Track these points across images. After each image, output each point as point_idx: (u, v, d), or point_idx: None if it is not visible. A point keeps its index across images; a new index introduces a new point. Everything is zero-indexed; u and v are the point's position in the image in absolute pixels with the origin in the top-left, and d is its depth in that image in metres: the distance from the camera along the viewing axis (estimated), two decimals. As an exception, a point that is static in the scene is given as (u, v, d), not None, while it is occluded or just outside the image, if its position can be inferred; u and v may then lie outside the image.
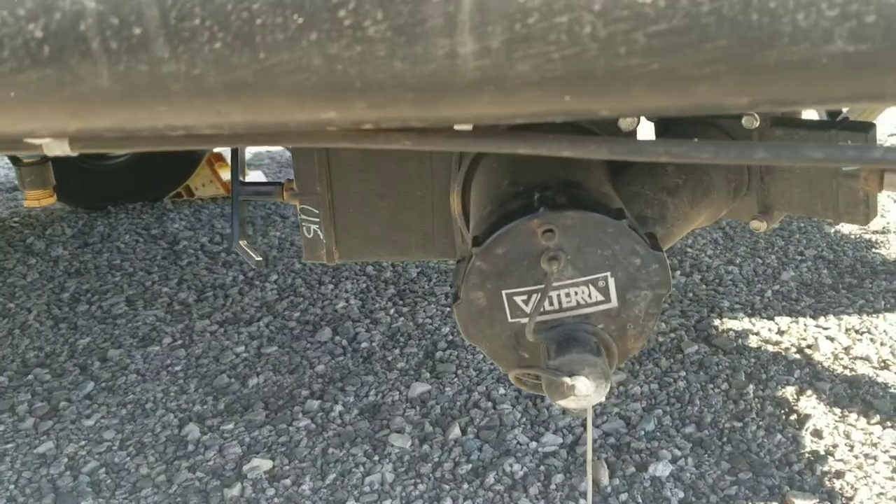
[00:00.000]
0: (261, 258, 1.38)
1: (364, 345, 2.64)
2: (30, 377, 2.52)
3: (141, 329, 2.79)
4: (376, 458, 2.09)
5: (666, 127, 1.30)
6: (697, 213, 1.19)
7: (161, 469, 2.09)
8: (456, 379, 2.42)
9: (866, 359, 2.41)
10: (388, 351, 2.60)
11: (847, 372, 2.35)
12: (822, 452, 2.02)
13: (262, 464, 2.08)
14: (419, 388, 2.38)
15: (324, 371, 2.49)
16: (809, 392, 2.26)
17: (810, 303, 2.77)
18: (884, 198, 3.69)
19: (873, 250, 3.18)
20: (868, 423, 2.13)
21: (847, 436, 2.08)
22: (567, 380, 0.96)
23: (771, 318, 2.67)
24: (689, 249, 3.23)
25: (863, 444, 2.04)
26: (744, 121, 1.18)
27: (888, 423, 2.11)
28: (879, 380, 2.31)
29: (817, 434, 2.09)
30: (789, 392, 2.27)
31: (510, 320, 1.04)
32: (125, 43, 0.59)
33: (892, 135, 4.74)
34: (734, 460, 2.00)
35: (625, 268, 1.00)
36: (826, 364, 2.40)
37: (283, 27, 0.58)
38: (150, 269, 3.28)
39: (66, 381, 2.49)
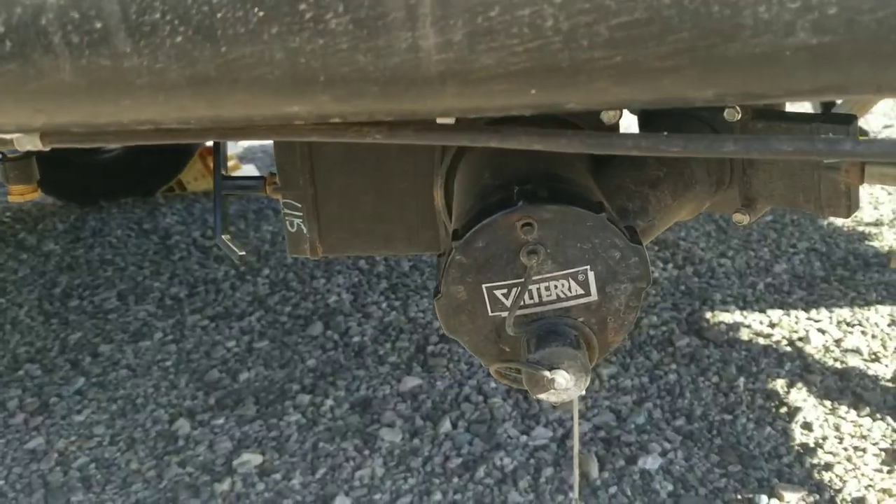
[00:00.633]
0: (244, 252, 1.38)
1: (356, 339, 2.64)
2: (20, 373, 2.52)
3: (132, 324, 2.79)
4: (367, 452, 2.09)
5: (649, 120, 1.29)
6: (679, 207, 1.19)
7: (151, 464, 2.09)
8: (447, 373, 2.42)
9: (857, 351, 2.41)
10: (379, 345, 2.59)
11: (838, 364, 2.36)
12: (812, 445, 2.02)
13: (252, 458, 2.08)
14: (410, 382, 2.38)
15: (315, 365, 2.49)
16: (800, 384, 2.26)
17: (802, 295, 2.77)
18: (877, 190, 3.69)
19: (866, 242, 3.18)
20: (858, 415, 2.13)
21: (837, 428, 2.08)
22: (547, 373, 0.96)
23: (763, 311, 2.67)
24: (681, 242, 3.22)
25: (852, 437, 2.05)
26: (725, 113, 1.17)
27: (878, 416, 2.12)
28: (870, 372, 2.31)
29: (807, 426, 2.09)
30: (780, 385, 2.27)
31: (491, 314, 1.04)
32: (86, 37, 0.59)
33: (886, 126, 4.73)
34: (724, 453, 2.00)
35: (604, 261, 1.00)
36: (817, 356, 2.40)
37: (243, 21, 0.57)
38: (141, 263, 3.27)
39: (57, 376, 2.49)
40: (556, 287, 1.01)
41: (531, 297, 1.02)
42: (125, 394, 2.39)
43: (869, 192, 3.70)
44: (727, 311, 2.69)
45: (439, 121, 0.85)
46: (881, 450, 1.99)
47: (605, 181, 1.17)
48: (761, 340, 2.49)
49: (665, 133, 0.69)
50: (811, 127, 1.16)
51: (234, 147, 4.63)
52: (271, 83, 0.60)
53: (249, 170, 4.24)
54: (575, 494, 1.40)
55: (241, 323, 2.76)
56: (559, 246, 0.99)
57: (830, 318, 2.61)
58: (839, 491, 1.86)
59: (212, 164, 3.96)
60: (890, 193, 3.68)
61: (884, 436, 2.04)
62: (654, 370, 2.36)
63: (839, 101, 2.05)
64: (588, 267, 1.00)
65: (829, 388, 2.25)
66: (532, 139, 0.72)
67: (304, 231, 1.37)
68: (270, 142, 4.89)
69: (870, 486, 1.88)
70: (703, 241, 3.23)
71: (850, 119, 1.16)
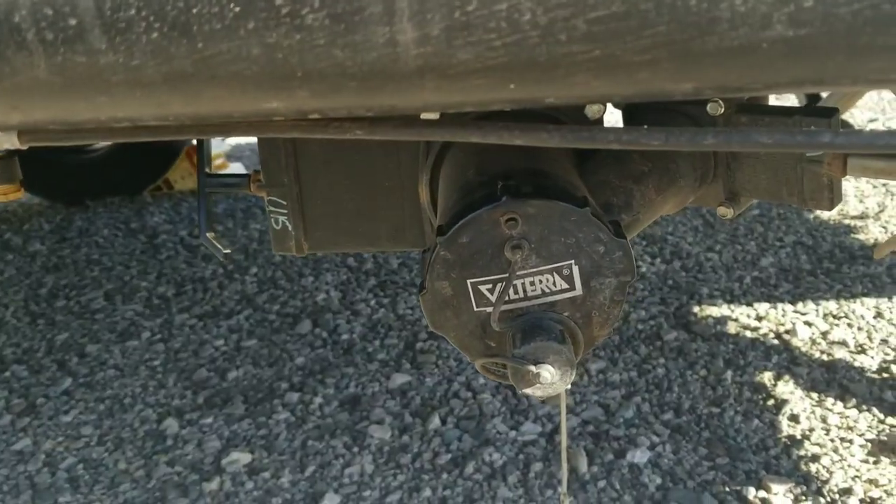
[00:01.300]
0: (228, 250, 1.37)
1: (344, 336, 2.63)
2: (7, 374, 2.50)
3: (119, 324, 2.78)
4: (356, 449, 2.09)
5: (633, 115, 1.30)
6: (664, 201, 1.19)
7: (140, 464, 2.08)
8: (436, 369, 2.42)
9: (843, 343, 2.42)
10: (368, 342, 2.59)
11: (824, 357, 2.36)
12: (799, 437, 2.03)
13: (241, 457, 2.08)
14: (399, 379, 2.38)
15: (304, 363, 2.49)
16: (787, 377, 2.27)
17: (789, 288, 2.78)
18: (862, 183, 3.71)
19: (852, 235, 3.19)
20: (844, 406, 2.14)
21: (823, 420, 2.09)
22: (532, 368, 0.96)
23: (750, 305, 2.68)
24: (668, 237, 3.23)
25: (839, 428, 2.06)
26: (708, 107, 1.18)
27: (864, 407, 2.12)
28: (856, 364, 2.32)
29: (794, 419, 2.09)
30: (767, 377, 2.28)
31: (476, 309, 1.04)
32: (61, 34, 0.58)
33: (871, 120, 4.75)
34: (712, 446, 2.01)
35: (589, 255, 1.00)
36: (804, 349, 2.41)
37: (219, 16, 0.57)
38: (128, 263, 3.26)
39: (44, 377, 2.48)
40: (540, 282, 1.01)
41: (516, 292, 1.02)
42: (113, 394, 2.38)
43: (854, 186, 3.72)
44: (714, 304, 2.70)
45: (423, 116, 0.85)
46: (867, 441, 2.00)
47: (589, 176, 1.17)
48: (748, 334, 2.50)
49: (646, 127, 0.69)
50: (793, 120, 1.16)
51: (222, 145, 4.61)
52: (249, 79, 0.60)
53: (237, 168, 4.23)
54: (563, 488, 1.40)
55: (230, 321, 2.76)
56: (543, 241, 0.99)
57: (817, 310, 2.62)
58: (826, 482, 1.87)
59: (198, 163, 3.96)
60: (875, 187, 3.70)
61: (870, 427, 2.05)
62: (643, 364, 2.37)
63: (824, 95, 2.05)
64: (573, 261, 1.00)
65: (815, 380, 2.25)
66: (513, 134, 0.72)
67: (290, 228, 1.36)
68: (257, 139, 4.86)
69: (856, 476, 1.89)
70: (690, 236, 3.24)
71: (831, 112, 1.16)
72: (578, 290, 1.02)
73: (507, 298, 1.02)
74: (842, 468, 1.91)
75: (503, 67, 0.59)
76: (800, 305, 2.66)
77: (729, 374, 2.29)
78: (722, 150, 1.07)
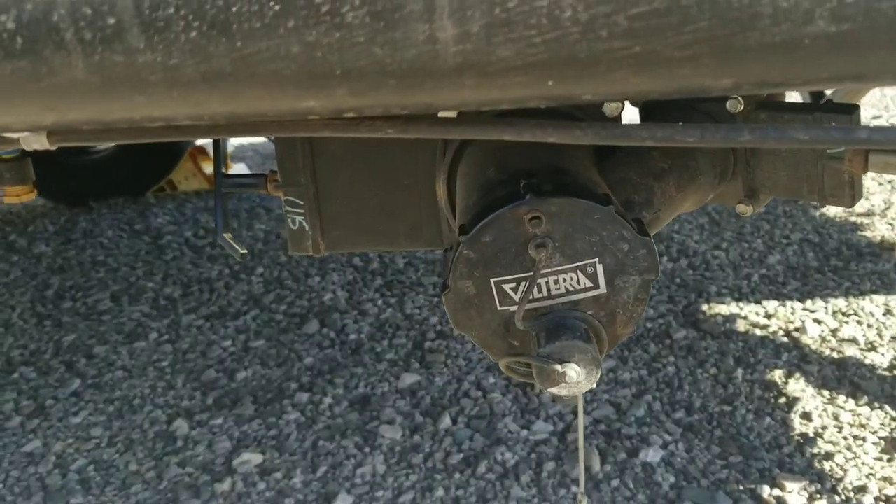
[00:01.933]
0: (245, 250, 1.37)
1: (352, 336, 2.63)
2: (15, 375, 2.50)
3: (126, 325, 2.77)
4: (367, 449, 2.09)
5: (650, 112, 1.29)
6: (684, 198, 1.19)
7: (150, 465, 2.08)
8: (446, 369, 2.41)
9: (853, 341, 2.42)
10: (376, 342, 2.59)
11: (835, 354, 2.36)
12: (812, 435, 2.03)
13: (252, 458, 2.07)
14: (409, 379, 2.37)
15: (312, 364, 2.49)
16: (798, 375, 2.27)
17: (797, 286, 2.78)
18: (868, 180, 3.70)
19: (858, 233, 3.19)
20: (856, 404, 2.14)
21: (836, 418, 2.08)
22: (558, 367, 0.96)
23: (758, 302, 2.68)
24: (675, 235, 3.23)
25: (851, 426, 2.05)
26: (728, 104, 1.17)
27: (876, 405, 2.12)
28: (867, 361, 2.32)
29: (806, 416, 2.09)
30: (777, 375, 2.28)
31: (499, 308, 1.03)
32: (99, 33, 0.58)
33: (875, 117, 4.75)
34: (724, 444, 2.01)
35: (613, 254, 1.00)
36: (814, 347, 2.41)
37: (259, 15, 0.57)
38: (134, 264, 3.26)
39: (52, 378, 2.48)
40: (564, 280, 1.01)
41: (540, 291, 1.01)
42: (122, 395, 2.38)
43: (860, 183, 3.71)
44: (723, 302, 2.69)
45: (441, 114, 0.84)
46: (880, 438, 2.00)
47: (609, 173, 1.17)
48: (758, 331, 2.50)
49: (681, 123, 0.69)
50: (814, 116, 1.16)
51: (225, 145, 4.60)
52: (287, 77, 0.59)
53: (240, 168, 4.22)
54: (581, 488, 1.40)
55: (237, 322, 2.75)
56: (567, 239, 0.99)
57: (826, 308, 2.62)
58: (840, 480, 1.87)
59: (202, 164, 3.95)
60: (881, 183, 3.70)
61: (882, 424, 2.05)
62: (653, 363, 2.36)
63: (828, 92, 2.05)
64: (597, 259, 1.00)
65: (826, 377, 2.25)
66: (546, 132, 0.71)
67: (306, 228, 1.36)
68: (261, 140, 4.85)
69: (870, 474, 1.88)
70: (696, 234, 3.24)
71: (851, 108, 1.16)
72: (603, 289, 1.01)
73: (531, 297, 1.01)
74: (855, 466, 1.91)
75: (543, 64, 0.58)
76: (808, 303, 2.66)
77: (739, 372, 2.29)
78: (757, 146, 1.07)
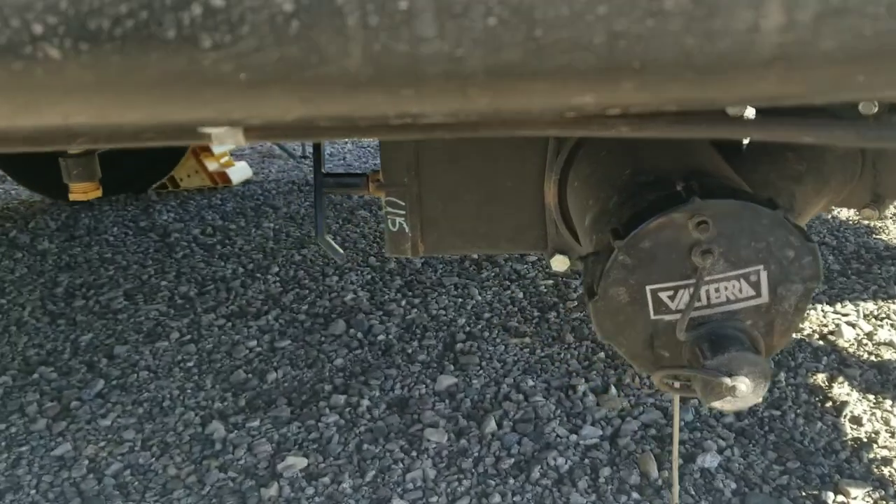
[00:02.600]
0: (342, 252, 1.31)
1: (380, 337, 2.57)
2: (35, 376, 2.41)
3: (145, 324, 2.69)
4: (414, 453, 2.04)
5: (767, 114, 1.26)
6: (818, 202, 1.16)
7: (190, 469, 2.01)
8: (481, 371, 2.37)
9: (890, 344, 2.42)
10: (406, 343, 2.54)
11: (873, 358, 2.36)
12: (865, 440, 2.01)
13: (296, 462, 2.01)
14: (445, 381, 2.33)
15: (343, 365, 2.43)
16: (840, 379, 2.26)
17: (823, 289, 2.78)
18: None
19: (874, 236, 3.21)
20: (904, 408, 2.13)
21: (886, 422, 2.08)
22: (727, 380, 0.92)
23: (788, 305, 2.67)
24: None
25: (902, 430, 2.05)
26: (861, 107, 1.14)
27: (924, 409, 2.12)
28: (907, 365, 2.32)
29: (856, 421, 2.08)
30: (821, 379, 2.26)
31: (653, 317, 0.99)
32: (387, 19, 0.52)
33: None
34: (780, 449, 1.99)
35: (778, 261, 0.96)
36: (851, 350, 2.40)
37: (567, 0, 0.52)
38: (144, 262, 3.17)
39: (75, 379, 2.39)
40: (726, 288, 0.97)
41: (699, 300, 0.98)
42: (150, 396, 2.30)
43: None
44: (753, 305, 2.68)
45: (729, 111, 0.78)
46: (934, 443, 2.00)
47: (745, 175, 1.13)
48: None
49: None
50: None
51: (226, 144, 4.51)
52: (580, 71, 0.55)
53: (242, 166, 4.13)
54: (675, 499, 1.36)
55: (259, 322, 2.68)
56: (733, 245, 0.95)
57: (857, 311, 2.62)
58: (900, 485, 1.86)
59: (205, 161, 3.86)
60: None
61: (933, 429, 2.05)
62: (693, 366, 2.34)
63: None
64: (761, 267, 0.96)
65: (869, 381, 2.25)
66: (803, 131, 0.67)
67: (406, 230, 1.31)
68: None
69: (930, 480, 1.88)
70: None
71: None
72: (765, 298, 0.97)
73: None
74: (915, 471, 1.90)
75: (864, 57, 0.54)
76: (838, 306, 2.66)
77: (782, 375, 2.28)
78: None
